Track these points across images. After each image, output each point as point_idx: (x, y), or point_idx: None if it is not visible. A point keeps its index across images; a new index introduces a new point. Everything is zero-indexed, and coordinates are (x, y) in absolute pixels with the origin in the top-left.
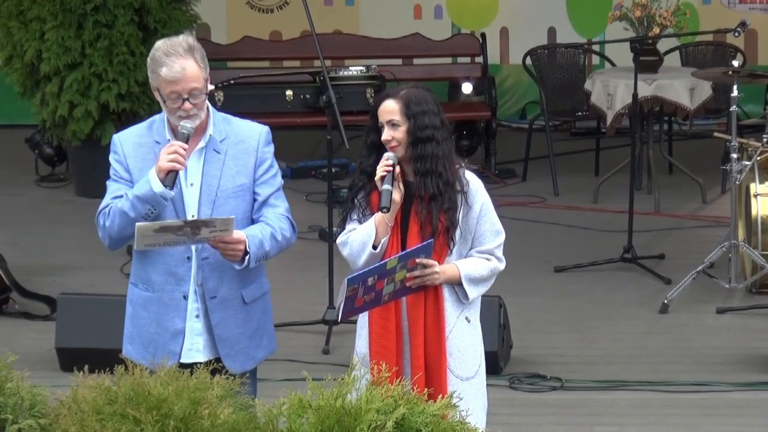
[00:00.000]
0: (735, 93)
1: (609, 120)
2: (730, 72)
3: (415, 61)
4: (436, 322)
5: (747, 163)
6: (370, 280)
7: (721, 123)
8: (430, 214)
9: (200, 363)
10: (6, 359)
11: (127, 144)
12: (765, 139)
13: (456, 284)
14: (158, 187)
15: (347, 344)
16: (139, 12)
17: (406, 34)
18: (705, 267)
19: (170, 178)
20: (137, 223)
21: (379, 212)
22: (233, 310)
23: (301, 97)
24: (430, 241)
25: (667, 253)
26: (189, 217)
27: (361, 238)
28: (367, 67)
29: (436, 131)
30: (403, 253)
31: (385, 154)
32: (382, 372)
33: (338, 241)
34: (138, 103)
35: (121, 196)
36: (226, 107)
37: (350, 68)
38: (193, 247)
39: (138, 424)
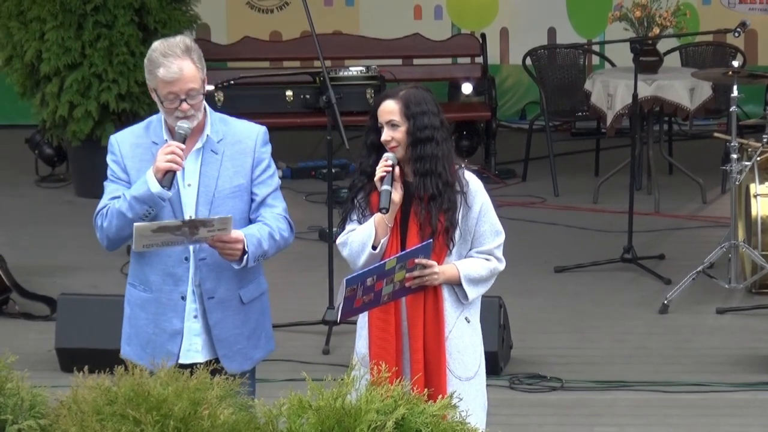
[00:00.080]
0: (735, 93)
1: (609, 120)
2: (730, 72)
3: (415, 61)
4: (435, 322)
5: (747, 163)
6: (369, 281)
7: (721, 123)
8: (430, 215)
9: (199, 363)
10: (6, 359)
11: (125, 145)
12: (765, 140)
13: (455, 285)
14: (156, 187)
15: (347, 344)
16: (139, 12)
17: (406, 34)
18: (705, 267)
19: (168, 178)
20: (135, 224)
21: (379, 213)
22: (231, 311)
23: (301, 97)
24: (429, 241)
25: (667, 253)
26: (186, 218)
27: (360, 238)
28: (367, 68)
29: (435, 132)
30: (402, 253)
31: (385, 155)
32: (382, 372)
33: (338, 241)
34: (138, 103)
35: (119, 197)
36: (226, 107)
37: (350, 68)
38: (191, 248)
39: (138, 424)
